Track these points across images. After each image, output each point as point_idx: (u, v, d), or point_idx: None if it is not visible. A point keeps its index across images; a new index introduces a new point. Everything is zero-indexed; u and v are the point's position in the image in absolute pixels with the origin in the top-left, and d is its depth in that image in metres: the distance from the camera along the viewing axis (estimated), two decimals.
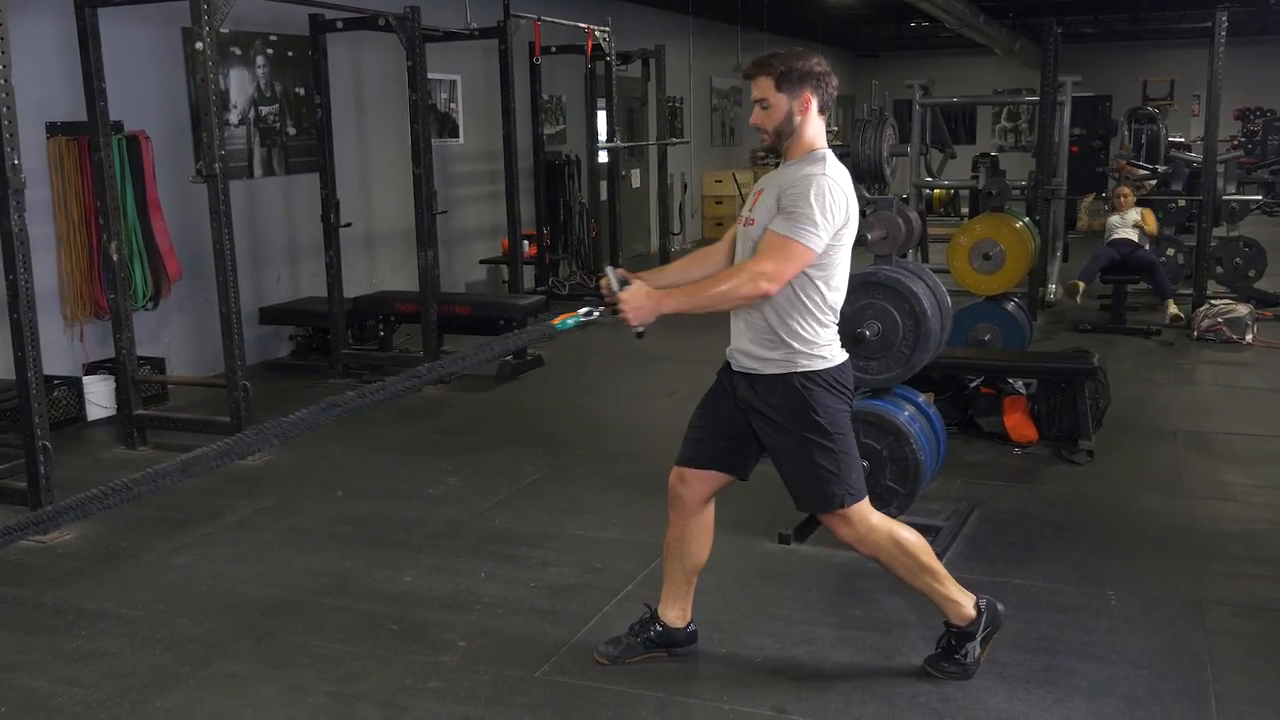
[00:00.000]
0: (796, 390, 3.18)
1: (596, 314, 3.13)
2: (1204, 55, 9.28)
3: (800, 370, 3.18)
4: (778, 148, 3.22)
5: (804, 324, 3.16)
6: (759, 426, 3.28)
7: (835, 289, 3.21)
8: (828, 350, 3.21)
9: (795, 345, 3.17)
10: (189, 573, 4.40)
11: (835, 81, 3.22)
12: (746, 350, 3.25)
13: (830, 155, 3.17)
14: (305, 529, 4.84)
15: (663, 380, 7.29)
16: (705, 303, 3.09)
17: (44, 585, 4.26)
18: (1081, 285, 8.92)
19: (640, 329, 3.09)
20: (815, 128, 3.19)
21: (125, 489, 2.70)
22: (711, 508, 3.49)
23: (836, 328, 3.26)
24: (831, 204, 3.07)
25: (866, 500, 3.30)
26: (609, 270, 3.17)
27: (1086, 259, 9.34)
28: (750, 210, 3.25)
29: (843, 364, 3.26)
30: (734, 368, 3.32)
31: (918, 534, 3.39)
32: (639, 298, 3.06)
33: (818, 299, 3.16)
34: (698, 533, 3.47)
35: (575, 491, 5.24)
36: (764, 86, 3.15)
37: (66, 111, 6.43)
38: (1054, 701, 3.31)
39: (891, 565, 3.35)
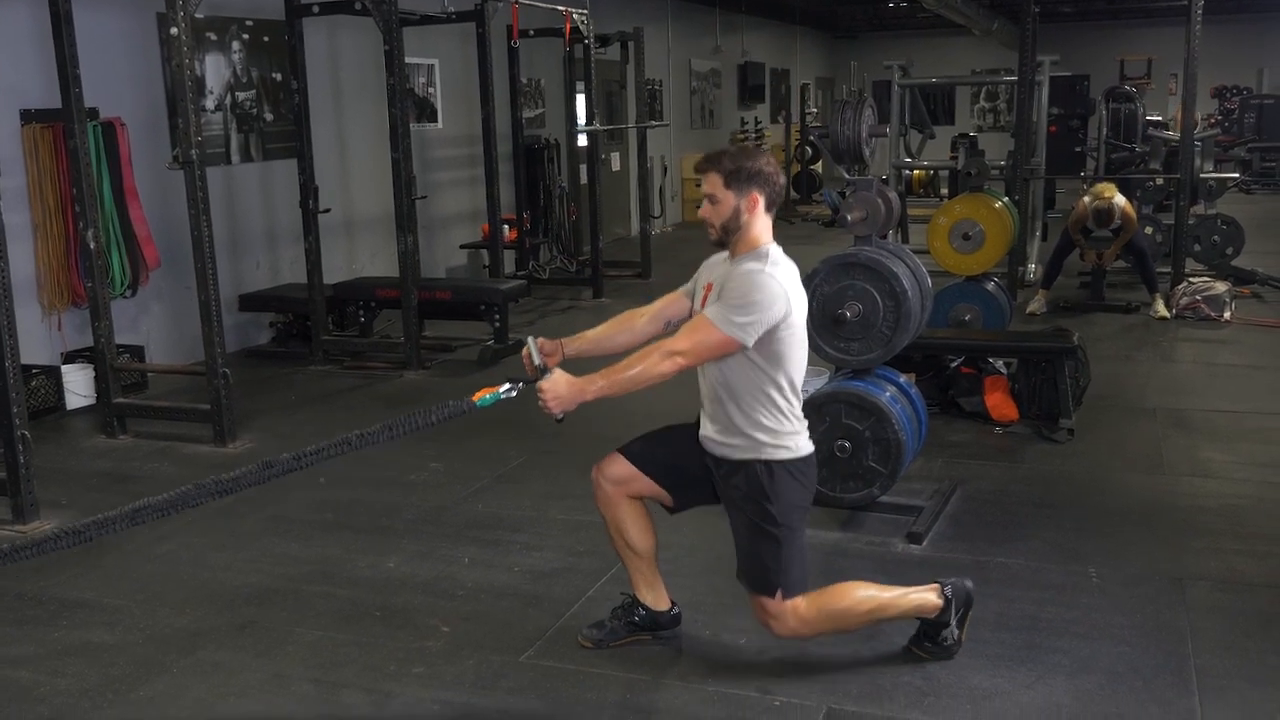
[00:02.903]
0: (756, 476, 3.19)
1: (516, 392, 3.14)
2: (1181, 34, 9.30)
3: (764, 458, 3.18)
4: (725, 242, 3.21)
5: (768, 414, 3.17)
6: (720, 488, 3.31)
7: (792, 374, 3.19)
8: (792, 440, 3.21)
9: (760, 436, 3.18)
10: (171, 562, 4.38)
11: (782, 181, 3.22)
12: (714, 438, 3.27)
13: (774, 251, 3.17)
14: (288, 516, 4.83)
15: None
16: (625, 385, 3.10)
17: (26, 575, 4.23)
18: (1042, 298, 8.84)
19: (560, 416, 3.10)
20: (762, 225, 3.18)
21: (132, 515, 2.86)
22: (638, 499, 3.46)
23: (802, 412, 3.25)
24: (766, 299, 3.05)
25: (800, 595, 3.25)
26: (530, 341, 3.20)
27: (1049, 255, 9.15)
28: (702, 306, 3.22)
29: (808, 456, 3.25)
30: (705, 449, 3.32)
31: (846, 584, 3.37)
32: (559, 386, 3.08)
33: (777, 389, 3.16)
34: (630, 523, 3.45)
35: (557, 476, 5.23)
36: (713, 183, 3.16)
37: (41, 99, 6.36)
38: (1036, 679, 3.33)
39: (841, 628, 3.37)
